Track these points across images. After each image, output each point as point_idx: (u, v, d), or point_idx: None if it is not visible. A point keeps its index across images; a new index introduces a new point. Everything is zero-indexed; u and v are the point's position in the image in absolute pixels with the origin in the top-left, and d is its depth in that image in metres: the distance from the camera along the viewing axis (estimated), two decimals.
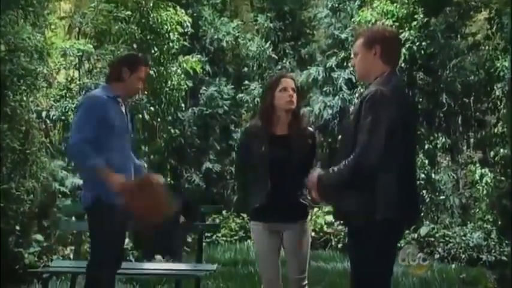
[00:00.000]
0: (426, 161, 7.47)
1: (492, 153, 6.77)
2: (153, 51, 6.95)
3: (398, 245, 2.77)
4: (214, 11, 9.56)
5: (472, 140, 8.16)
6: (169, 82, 7.14)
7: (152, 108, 7.08)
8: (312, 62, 9.34)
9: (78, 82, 6.67)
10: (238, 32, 9.60)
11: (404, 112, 2.50)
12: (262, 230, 3.13)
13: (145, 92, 7.02)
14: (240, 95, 9.35)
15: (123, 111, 3.17)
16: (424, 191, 7.33)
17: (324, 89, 8.87)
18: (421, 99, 7.77)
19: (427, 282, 5.24)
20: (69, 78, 6.79)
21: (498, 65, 6.70)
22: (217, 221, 7.27)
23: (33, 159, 5.24)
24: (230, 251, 7.13)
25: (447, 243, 6.68)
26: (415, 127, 3.44)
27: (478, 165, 7.39)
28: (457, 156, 8.04)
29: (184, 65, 7.43)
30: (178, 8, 7.18)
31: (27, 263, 4.97)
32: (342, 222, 3.92)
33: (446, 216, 7.38)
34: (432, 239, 6.76)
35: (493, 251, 6.41)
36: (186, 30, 7.31)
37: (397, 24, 7.63)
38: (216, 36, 9.31)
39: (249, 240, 7.26)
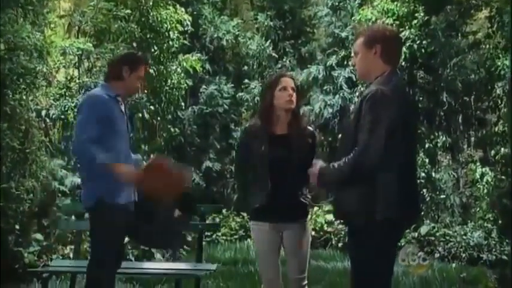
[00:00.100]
0: (426, 160, 7.46)
1: (493, 152, 6.75)
2: (152, 49, 6.94)
3: (399, 244, 2.77)
4: (214, 9, 9.54)
5: (472, 139, 8.15)
6: (169, 81, 7.13)
7: (152, 107, 7.07)
8: (312, 61, 9.32)
9: (77, 81, 6.66)
10: (238, 31, 9.58)
11: (404, 112, 2.50)
12: (262, 230, 3.12)
13: (145, 91, 7.01)
14: (240, 94, 9.34)
15: (123, 110, 3.16)
16: (425, 190, 7.32)
17: (324, 87, 8.85)
18: (421, 98, 7.76)
19: (428, 282, 5.23)
20: (68, 77, 6.78)
21: (499, 63, 6.68)
22: (217, 220, 7.26)
23: (33, 158, 5.24)
24: (230, 250, 7.12)
25: (447, 242, 6.67)
26: (416, 126, 3.43)
27: (478, 164, 7.38)
28: (458, 155, 8.03)
29: (184, 64, 7.41)
30: (178, 6, 7.17)
31: (26, 262, 4.96)
32: (342, 221, 3.93)
33: (447, 215, 7.37)
34: (432, 238, 6.75)
35: (494, 250, 6.39)
36: (186, 28, 7.30)
37: (397, 22, 7.61)
38: (216, 35, 9.30)
39: (249, 239, 7.25)
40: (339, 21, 8.96)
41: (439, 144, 7.69)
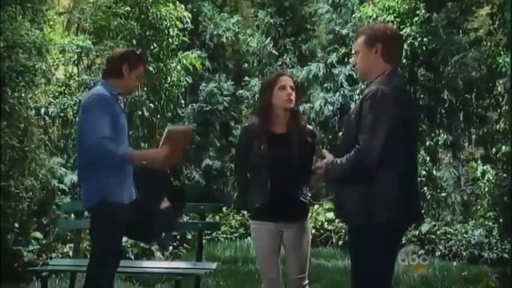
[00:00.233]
0: (427, 158, 7.43)
1: (494, 149, 6.73)
2: (152, 47, 6.90)
3: (400, 243, 2.76)
4: (214, 6, 9.49)
5: (473, 137, 8.12)
6: (168, 78, 7.10)
7: (152, 105, 7.04)
8: (313, 58, 9.28)
9: (77, 78, 6.64)
10: (238, 28, 9.53)
11: (405, 111, 2.49)
12: (262, 230, 3.12)
13: (145, 89, 6.98)
14: (240, 91, 9.30)
15: (122, 108, 3.16)
16: (425, 188, 7.30)
17: (325, 85, 8.82)
18: (422, 96, 7.73)
19: (428, 280, 5.22)
20: (68, 75, 6.75)
21: (500, 61, 6.64)
22: (217, 218, 7.23)
23: (32, 156, 5.21)
24: (230, 248, 7.10)
25: (448, 241, 6.65)
26: (417, 125, 3.43)
27: (479, 162, 7.36)
28: (459, 152, 8.00)
29: (184, 61, 7.38)
30: (177, 3, 7.13)
31: (26, 261, 4.95)
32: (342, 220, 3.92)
33: (448, 213, 7.35)
34: (433, 236, 6.73)
35: (495, 248, 6.37)
36: (185, 26, 7.26)
37: (398, 19, 7.57)
38: (215, 32, 9.26)
39: (249, 238, 7.23)
40: (339, 18, 8.92)
41: (440, 142, 7.66)
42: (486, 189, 6.86)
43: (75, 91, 6.43)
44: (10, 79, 5.11)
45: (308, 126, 3.23)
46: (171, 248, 6.42)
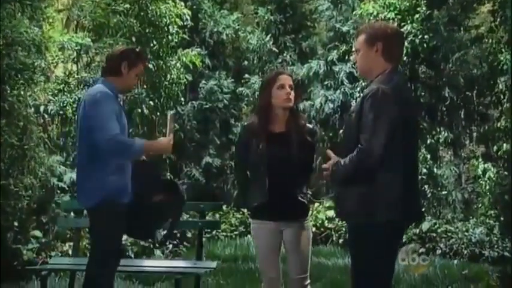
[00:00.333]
0: (428, 156, 7.41)
1: (495, 147, 6.71)
2: (152, 44, 6.87)
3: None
4: (214, 3, 9.46)
5: (474, 134, 8.10)
6: (168, 76, 7.07)
7: (151, 103, 7.02)
8: (313, 55, 9.25)
9: (76, 76, 6.60)
10: (238, 25, 9.50)
11: (405, 110, 2.49)
12: (262, 229, 3.11)
13: (145, 86, 6.95)
14: (240, 89, 9.28)
15: (121, 105, 3.16)
16: (426, 186, 7.28)
17: (325, 82, 8.79)
18: (423, 93, 7.71)
19: (429, 279, 5.20)
20: (67, 72, 6.72)
21: (501, 58, 6.61)
22: (217, 216, 7.22)
23: (31, 154, 5.19)
24: (230, 246, 7.09)
25: (449, 239, 6.63)
26: (417, 124, 3.42)
27: (480, 159, 7.34)
28: (460, 150, 7.99)
29: (184, 59, 7.35)
30: (177, 0, 7.10)
31: (25, 259, 4.94)
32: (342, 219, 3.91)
33: (449, 211, 7.34)
34: (434, 235, 6.71)
35: (496, 246, 6.35)
36: (185, 23, 7.22)
37: (399, 17, 7.54)
38: (215, 29, 9.23)
39: (249, 236, 7.21)
40: (340, 15, 8.89)
41: (441, 140, 7.64)
42: (487, 187, 6.85)
43: (75, 89, 6.40)
44: (9, 77, 5.09)
45: (308, 124, 3.22)
46: (170, 246, 6.42)
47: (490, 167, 6.93)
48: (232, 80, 9.30)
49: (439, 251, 6.53)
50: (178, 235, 6.59)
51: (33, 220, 5.36)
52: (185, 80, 7.43)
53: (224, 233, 7.71)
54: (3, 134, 4.98)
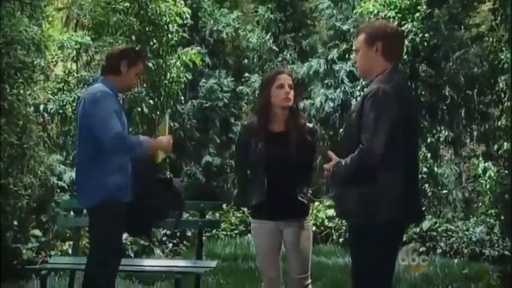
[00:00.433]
0: (429, 155, 7.41)
1: (496, 146, 6.70)
2: (152, 43, 6.86)
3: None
4: (213, 2, 9.45)
5: (475, 133, 8.09)
6: (168, 74, 7.06)
7: (151, 101, 7.01)
8: (313, 54, 9.24)
9: (76, 75, 6.58)
10: (238, 24, 9.49)
11: (406, 109, 2.48)
12: (262, 228, 3.11)
13: (144, 85, 6.94)
14: (240, 88, 9.27)
15: (121, 104, 3.15)
16: (427, 185, 7.28)
17: (325, 81, 8.79)
18: (423, 92, 7.70)
19: (429, 278, 5.20)
20: (66, 71, 6.70)
21: (502, 57, 6.60)
22: (217, 215, 7.21)
23: (31, 153, 5.18)
24: (230, 245, 7.08)
25: (449, 238, 6.63)
26: (418, 123, 3.41)
27: (481, 158, 7.33)
28: (460, 149, 7.98)
29: (184, 57, 7.34)
30: None
31: (25, 258, 4.94)
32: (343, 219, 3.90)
33: (449, 210, 7.33)
34: (434, 234, 6.70)
35: (496, 245, 6.35)
36: (185, 21, 7.21)
37: (399, 15, 7.53)
38: (215, 28, 9.21)
39: (249, 235, 7.21)
40: (340, 14, 8.88)
41: (441, 139, 7.64)
42: (487, 186, 6.84)
43: (74, 88, 6.39)
44: (9, 76, 5.07)
45: (308, 123, 3.21)
46: (170, 245, 6.41)
47: (491, 165, 6.93)
48: (232, 78, 9.29)
49: (439, 250, 6.52)
50: (178, 234, 6.59)
51: (33, 219, 5.35)
52: (185, 78, 7.42)
53: (224, 232, 7.70)
54: (3, 132, 4.97)
